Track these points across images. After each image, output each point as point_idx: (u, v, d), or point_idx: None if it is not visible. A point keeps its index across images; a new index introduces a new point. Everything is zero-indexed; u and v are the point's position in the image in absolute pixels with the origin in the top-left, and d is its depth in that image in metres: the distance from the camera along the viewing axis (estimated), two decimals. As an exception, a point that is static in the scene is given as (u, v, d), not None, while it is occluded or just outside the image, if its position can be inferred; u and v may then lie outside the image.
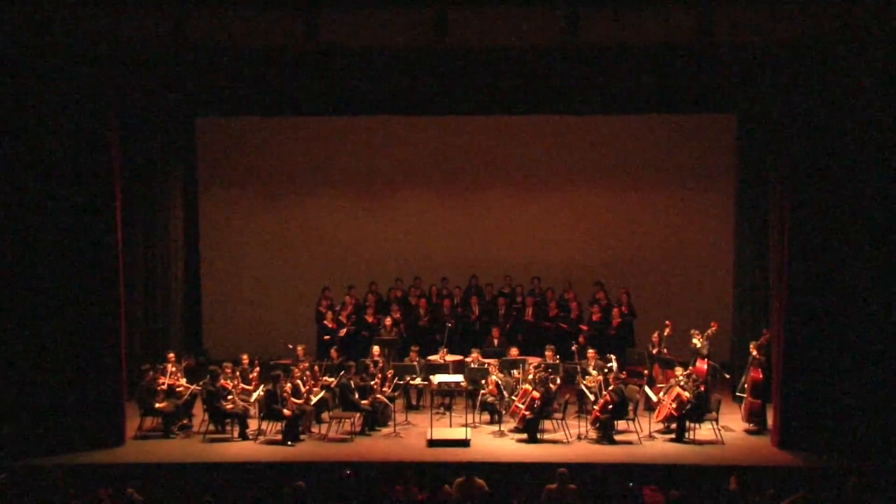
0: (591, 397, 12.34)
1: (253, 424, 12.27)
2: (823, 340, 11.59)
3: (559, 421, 12.25)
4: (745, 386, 12.62)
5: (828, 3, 11.13)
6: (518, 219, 16.69)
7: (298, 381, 12.45)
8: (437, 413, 12.99)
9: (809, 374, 11.64)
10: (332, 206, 16.88)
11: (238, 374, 12.78)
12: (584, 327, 14.74)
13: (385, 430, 12.49)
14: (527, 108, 15.08)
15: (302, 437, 12.12)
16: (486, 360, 13.28)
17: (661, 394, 12.31)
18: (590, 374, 12.78)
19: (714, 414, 12.15)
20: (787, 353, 11.73)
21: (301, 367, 12.76)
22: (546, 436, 12.17)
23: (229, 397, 12.29)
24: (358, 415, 12.44)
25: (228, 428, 12.31)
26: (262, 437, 12.13)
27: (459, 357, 13.83)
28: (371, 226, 16.79)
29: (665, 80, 12.50)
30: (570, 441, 12.00)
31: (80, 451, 11.52)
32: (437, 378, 12.84)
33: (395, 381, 12.83)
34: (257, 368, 13.14)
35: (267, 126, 16.33)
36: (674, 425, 12.16)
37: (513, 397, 12.35)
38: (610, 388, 12.04)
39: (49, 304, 11.66)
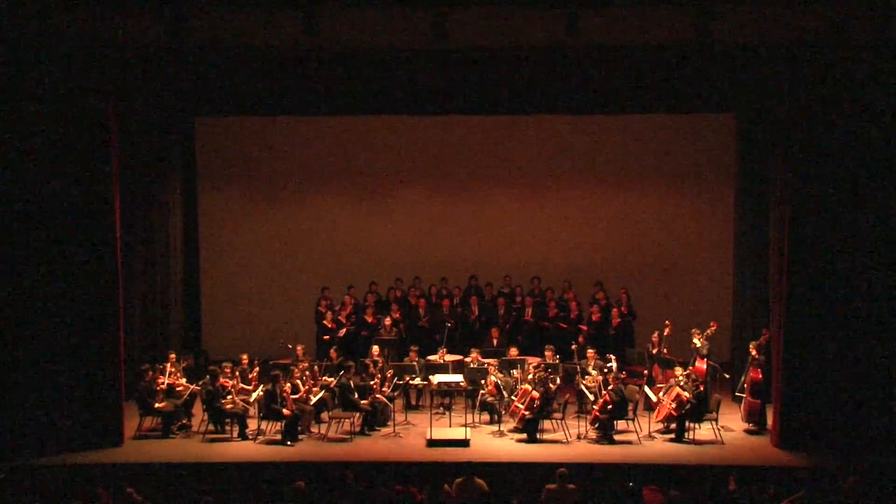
0: (591, 397, 12.34)
1: (252, 424, 12.27)
2: (823, 340, 11.60)
3: (559, 421, 12.25)
4: (745, 386, 12.63)
5: (827, 4, 11.12)
6: (518, 219, 16.69)
7: (298, 381, 12.44)
8: (437, 413, 12.99)
9: (809, 374, 11.65)
10: (331, 205, 16.88)
11: (237, 373, 12.78)
12: (584, 327, 14.74)
13: (384, 430, 12.49)
14: (526, 108, 15.05)
15: (301, 436, 12.11)
16: (486, 360, 13.28)
17: (661, 394, 12.31)
18: (589, 374, 12.78)
19: (714, 414, 12.15)
20: (787, 353, 11.73)
21: (300, 367, 12.76)
22: (546, 436, 12.17)
23: (228, 397, 12.29)
24: (357, 415, 12.44)
25: (228, 428, 12.30)
26: (261, 437, 12.13)
27: (459, 357, 13.83)
28: (371, 226, 16.80)
29: (665, 80, 12.50)
30: (569, 441, 12.00)
31: (79, 451, 11.51)
32: (437, 378, 12.84)
33: (394, 381, 12.83)
34: (256, 368, 13.13)
35: (266, 126, 16.34)
36: (673, 425, 12.16)
37: (512, 397, 12.35)
38: (609, 388, 12.04)
39: (48, 304, 11.66)
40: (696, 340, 13.08)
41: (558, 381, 12.63)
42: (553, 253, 16.50)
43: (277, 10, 11.39)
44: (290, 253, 16.82)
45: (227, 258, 16.78)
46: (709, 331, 13.15)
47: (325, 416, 12.71)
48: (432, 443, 11.80)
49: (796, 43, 11.37)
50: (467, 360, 13.41)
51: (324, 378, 12.91)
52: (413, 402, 13.70)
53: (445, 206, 16.81)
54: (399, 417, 12.77)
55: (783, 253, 11.79)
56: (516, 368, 12.87)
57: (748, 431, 12.49)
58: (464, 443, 11.77)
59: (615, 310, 14.87)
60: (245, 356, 13.24)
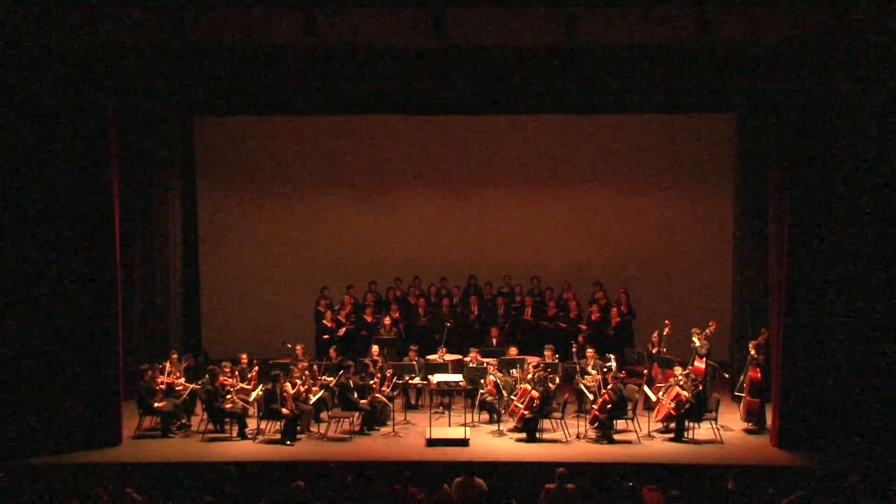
0: (590, 397, 12.34)
1: (252, 424, 12.26)
2: (822, 340, 11.60)
3: (558, 420, 12.25)
4: (744, 385, 12.63)
5: (827, 3, 11.12)
6: (517, 218, 16.68)
7: (297, 381, 12.44)
8: (436, 412, 12.98)
9: (808, 374, 11.65)
10: (331, 205, 16.86)
11: (237, 373, 12.77)
12: (583, 327, 14.75)
13: (384, 430, 12.48)
14: (527, 108, 15.09)
15: (301, 436, 12.11)
16: (485, 360, 13.27)
17: (661, 393, 12.31)
18: (589, 374, 12.78)
19: (713, 413, 12.15)
20: (787, 353, 11.73)
21: (300, 366, 12.75)
22: (545, 435, 12.17)
23: (227, 396, 12.28)
24: (357, 414, 12.44)
25: (227, 427, 12.30)
26: (260, 437, 12.13)
27: (458, 357, 13.82)
28: (370, 225, 16.78)
29: (665, 80, 12.51)
30: (568, 440, 12.00)
31: (77, 451, 11.49)
32: (436, 377, 12.83)
33: (394, 380, 12.82)
34: (256, 368, 13.13)
35: (266, 125, 16.34)
36: (672, 425, 12.16)
37: (512, 397, 12.34)
38: (609, 387, 12.03)
39: (46, 303, 11.64)
40: (695, 340, 13.08)
41: (557, 380, 12.62)
42: (552, 252, 16.49)
43: (277, 10, 11.38)
44: (290, 252, 16.81)
45: (227, 257, 16.77)
46: (708, 330, 13.16)
47: (324, 415, 12.72)
48: (432, 442, 11.80)
49: (797, 43, 11.37)
50: (467, 359, 13.40)
51: (323, 377, 12.91)
52: (412, 402, 13.69)
53: (445, 205, 16.80)
54: (398, 417, 12.77)
55: (782, 252, 11.79)
56: (516, 368, 12.87)
57: (747, 431, 12.49)
58: (463, 442, 11.77)
59: (614, 309, 14.87)
60: (244, 356, 13.22)
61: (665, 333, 13.54)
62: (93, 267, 11.75)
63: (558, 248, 16.54)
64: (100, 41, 11.45)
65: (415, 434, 12.34)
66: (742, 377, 12.80)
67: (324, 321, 14.86)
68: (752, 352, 12.53)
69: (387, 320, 14.64)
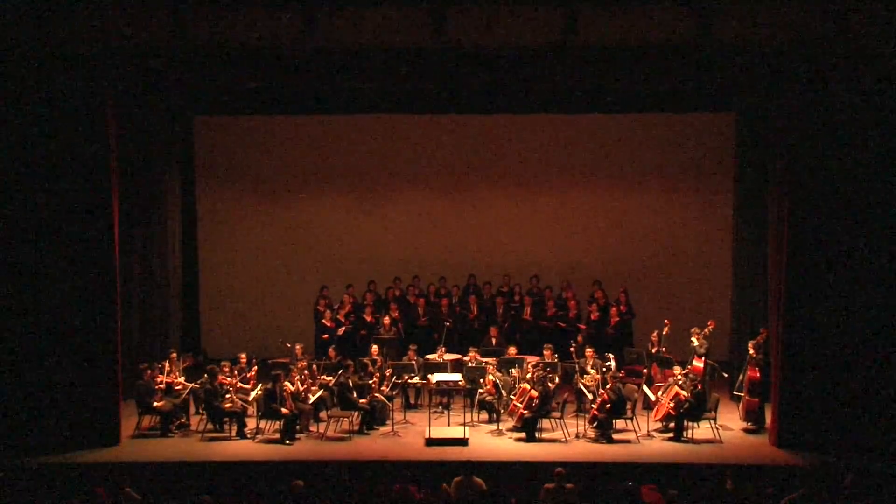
0: (590, 396, 12.35)
1: (251, 423, 12.27)
2: (822, 339, 11.60)
3: (557, 420, 12.25)
4: (743, 385, 12.63)
5: (827, 3, 11.12)
6: (516, 218, 16.68)
7: (297, 380, 12.44)
8: (436, 412, 12.99)
9: (807, 373, 11.65)
10: (330, 204, 16.87)
11: (236, 372, 12.77)
12: (583, 326, 14.75)
13: (383, 429, 12.48)
14: (526, 108, 15.09)
15: (300, 435, 12.11)
16: (485, 359, 13.28)
17: (660, 393, 12.32)
18: (588, 374, 12.78)
19: (712, 413, 12.16)
20: (786, 352, 11.73)
21: (299, 365, 12.75)
22: (544, 435, 12.17)
23: (227, 395, 12.28)
24: (356, 414, 12.44)
25: (226, 427, 12.30)
26: (260, 436, 12.13)
27: (457, 356, 13.83)
28: (369, 225, 16.79)
29: (665, 80, 12.51)
30: (568, 440, 12.01)
31: (76, 450, 11.49)
32: (436, 377, 12.83)
33: (393, 380, 12.82)
34: (255, 367, 13.13)
35: (265, 125, 16.35)
36: (672, 424, 12.16)
37: (511, 396, 12.35)
38: (608, 386, 12.04)
39: (45, 302, 11.65)
40: (694, 339, 13.09)
41: (557, 380, 12.63)
42: (552, 252, 16.50)
43: (277, 10, 11.38)
44: (289, 252, 16.81)
45: (226, 257, 16.77)
46: (706, 329, 13.17)
47: (323, 415, 12.72)
48: (431, 442, 11.80)
49: (796, 43, 11.37)
50: (466, 359, 13.40)
51: (322, 377, 12.91)
52: (412, 401, 13.69)
53: (444, 205, 16.80)
54: (398, 416, 12.77)
55: (782, 251, 11.79)
56: (515, 367, 12.88)
57: (746, 430, 12.49)
58: (462, 442, 11.77)
59: (614, 309, 14.87)
60: (243, 355, 13.23)
61: (664, 333, 13.54)
62: (92, 266, 11.74)
63: (557, 248, 16.54)
64: (99, 41, 11.44)
65: (414, 433, 12.35)
66: (741, 377, 12.80)
67: (323, 321, 14.86)
68: (752, 351, 12.53)
69: (386, 320, 14.64)
